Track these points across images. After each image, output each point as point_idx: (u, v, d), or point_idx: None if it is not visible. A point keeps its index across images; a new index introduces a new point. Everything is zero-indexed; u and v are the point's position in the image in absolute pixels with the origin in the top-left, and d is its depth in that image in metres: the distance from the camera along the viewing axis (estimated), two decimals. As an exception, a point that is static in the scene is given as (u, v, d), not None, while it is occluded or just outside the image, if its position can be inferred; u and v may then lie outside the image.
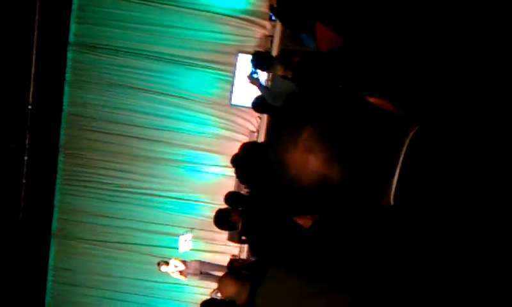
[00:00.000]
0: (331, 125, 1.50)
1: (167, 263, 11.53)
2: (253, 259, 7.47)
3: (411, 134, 1.52)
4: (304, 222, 3.94)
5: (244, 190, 8.93)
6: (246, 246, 9.45)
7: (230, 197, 8.02)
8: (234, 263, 9.50)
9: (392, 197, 1.53)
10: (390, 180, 1.51)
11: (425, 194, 1.49)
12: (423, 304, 1.56)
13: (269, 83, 9.33)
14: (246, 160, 6.85)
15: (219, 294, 10.39)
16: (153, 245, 13.71)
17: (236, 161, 7.63)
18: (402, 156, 1.51)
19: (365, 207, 1.60)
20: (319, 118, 1.52)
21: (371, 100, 1.57)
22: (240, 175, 7.29)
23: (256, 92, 8.57)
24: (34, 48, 12.41)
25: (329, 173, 1.48)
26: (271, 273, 4.21)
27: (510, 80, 1.77)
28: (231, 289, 4.80)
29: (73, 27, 12.87)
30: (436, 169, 1.48)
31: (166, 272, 11.54)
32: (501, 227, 1.41)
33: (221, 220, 7.48)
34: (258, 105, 8.56)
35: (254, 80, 8.16)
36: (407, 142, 1.52)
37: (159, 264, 11.65)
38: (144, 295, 14.19)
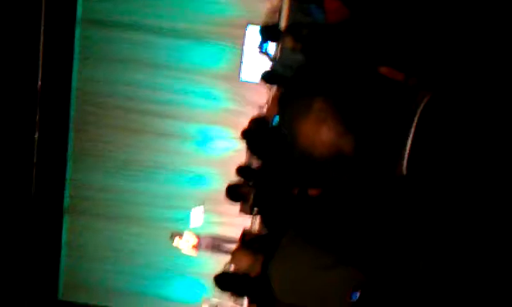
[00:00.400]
0: (342, 96, 1.50)
1: (180, 236, 11.52)
2: (265, 231, 7.49)
3: (423, 103, 1.52)
4: (316, 193, 3.96)
5: (255, 163, 8.93)
6: (258, 218, 9.45)
7: (241, 170, 8.03)
8: (247, 236, 9.51)
9: (404, 167, 1.53)
10: (402, 149, 1.51)
11: (438, 163, 1.49)
12: (436, 272, 1.56)
13: (278, 54, 9.30)
14: (256, 133, 6.85)
15: (232, 267, 10.46)
16: (164, 220, 13.74)
17: (246, 134, 7.63)
18: (414, 125, 1.50)
19: (378, 177, 1.60)
20: (330, 89, 1.52)
21: (382, 70, 1.56)
22: (251, 148, 7.30)
23: (265, 65, 8.55)
24: (42, 25, 12.38)
25: (342, 144, 1.48)
26: (284, 245, 4.23)
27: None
28: (244, 262, 4.81)
29: (81, 3, 12.84)
30: (449, 138, 1.47)
31: (177, 245, 11.55)
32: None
33: (233, 193, 7.51)
34: (268, 76, 8.54)
35: (263, 52, 8.15)
36: (419, 111, 1.51)
37: (172, 236, 11.64)
38: (157, 269, 14.24)
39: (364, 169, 1.56)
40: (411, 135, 1.50)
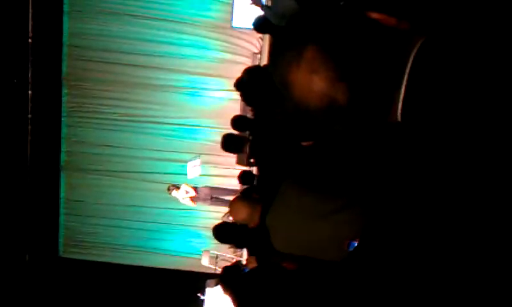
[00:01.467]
0: (334, 44, 1.47)
1: (177, 188, 11.53)
2: (262, 181, 7.49)
3: (416, 48, 1.49)
4: (309, 144, 3.95)
5: (249, 113, 8.91)
6: (254, 169, 9.47)
7: (236, 121, 8.01)
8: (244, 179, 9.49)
9: (399, 113, 1.50)
10: (396, 95, 1.49)
11: (434, 108, 1.46)
12: (430, 218, 1.55)
13: (270, 2, 9.21)
14: (251, 83, 6.81)
15: (230, 218, 10.51)
16: (161, 173, 13.78)
17: (240, 85, 7.60)
18: (408, 70, 1.48)
19: (372, 125, 1.57)
20: (321, 37, 1.48)
21: (373, 15, 1.53)
22: (246, 98, 7.27)
23: (257, 12, 8.45)
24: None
25: (335, 93, 1.45)
26: (282, 194, 4.22)
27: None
28: (242, 212, 4.79)
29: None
30: (444, 82, 1.44)
31: (175, 197, 11.57)
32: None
33: (228, 143, 7.50)
34: (260, 25, 8.44)
35: (256, 1, 8.05)
36: (412, 56, 1.48)
37: (169, 189, 11.64)
38: (155, 222, 14.33)
39: (358, 117, 1.53)
40: (405, 81, 1.47)
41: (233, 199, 5.17)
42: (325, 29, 1.49)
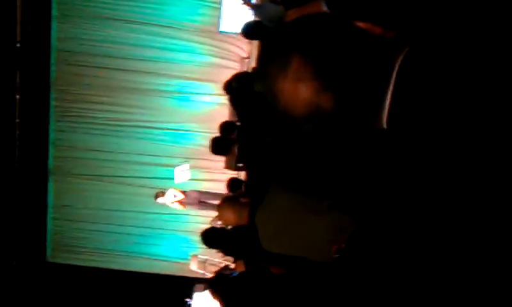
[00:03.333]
0: (320, 53, 1.49)
1: (163, 194, 11.51)
2: (250, 185, 7.50)
3: (401, 56, 1.52)
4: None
5: (237, 117, 8.90)
6: (242, 174, 9.47)
7: (224, 127, 8.02)
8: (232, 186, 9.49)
9: (384, 120, 1.53)
10: (382, 103, 1.51)
11: (419, 115, 1.49)
12: (419, 221, 1.57)
13: (261, 4, 9.17)
14: (240, 90, 6.81)
15: (219, 223, 10.50)
16: (149, 177, 13.75)
17: (229, 88, 7.60)
18: (393, 78, 1.50)
19: (359, 132, 1.60)
20: (307, 46, 1.51)
21: (359, 25, 1.55)
22: (235, 105, 7.28)
23: (245, 17, 8.43)
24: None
25: (321, 101, 1.48)
26: (270, 194, 4.24)
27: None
28: (230, 215, 4.77)
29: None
30: (429, 90, 1.48)
31: (163, 203, 11.55)
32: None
33: (217, 146, 7.50)
34: (249, 31, 8.42)
35: (247, 1, 8.03)
36: (397, 64, 1.51)
37: (156, 196, 11.62)
38: (144, 227, 14.28)
39: (344, 124, 1.56)
40: (390, 89, 1.50)
41: (221, 202, 5.14)
42: (311, 39, 1.51)
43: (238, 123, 8.12)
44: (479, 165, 1.40)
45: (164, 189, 11.63)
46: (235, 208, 4.66)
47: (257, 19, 7.96)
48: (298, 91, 1.47)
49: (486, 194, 1.42)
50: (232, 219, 4.77)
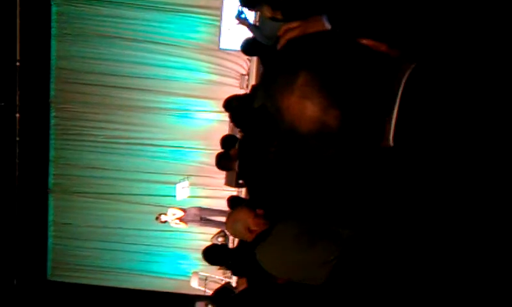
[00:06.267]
0: (326, 70, 1.49)
1: (165, 213, 11.50)
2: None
3: (407, 74, 1.51)
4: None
5: (238, 134, 8.92)
6: (243, 190, 9.48)
7: (225, 141, 8.01)
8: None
9: (391, 138, 1.52)
10: (388, 121, 1.51)
11: (425, 133, 1.49)
12: (422, 243, 1.57)
13: (258, 23, 9.22)
14: (240, 111, 6.83)
15: (220, 239, 10.51)
16: (150, 195, 13.76)
17: (229, 105, 7.61)
18: (399, 96, 1.50)
19: (365, 150, 1.60)
20: (313, 63, 1.51)
21: (364, 42, 1.55)
22: (234, 120, 7.29)
23: (245, 34, 8.46)
24: (18, 5, 12.29)
25: (327, 119, 1.47)
26: (274, 234, 4.25)
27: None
28: (242, 226, 4.65)
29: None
30: (435, 107, 1.47)
31: (166, 221, 11.52)
32: (501, 164, 1.41)
33: (222, 161, 7.50)
34: (248, 47, 8.44)
35: (242, 21, 8.04)
36: (403, 82, 1.51)
37: (157, 218, 11.58)
38: (144, 244, 14.28)
39: (350, 143, 1.56)
40: (396, 106, 1.50)
41: (237, 210, 5.00)
42: (317, 55, 1.51)
43: (239, 137, 8.12)
44: (485, 186, 1.39)
45: (163, 210, 11.62)
46: (248, 220, 4.55)
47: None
48: (304, 107, 1.46)
49: (489, 215, 1.41)
50: (237, 233, 4.71)
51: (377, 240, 1.77)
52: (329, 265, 3.63)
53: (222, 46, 12.18)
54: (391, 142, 1.51)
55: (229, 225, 4.75)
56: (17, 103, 13.06)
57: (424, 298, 1.58)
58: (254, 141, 6.11)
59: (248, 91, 11.21)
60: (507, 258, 1.42)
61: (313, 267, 3.77)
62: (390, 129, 1.50)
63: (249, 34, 8.18)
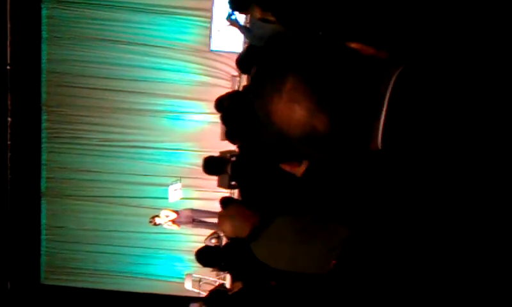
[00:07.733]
0: (314, 74, 1.49)
1: (158, 216, 11.47)
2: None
3: (394, 76, 1.52)
4: (291, 168, 3.97)
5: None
6: (236, 192, 9.46)
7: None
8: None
9: (379, 141, 1.53)
10: (376, 123, 1.52)
11: (413, 135, 1.49)
12: (412, 245, 1.57)
13: (248, 25, 9.21)
14: (231, 109, 6.82)
15: (213, 241, 10.51)
16: (142, 197, 13.75)
17: (220, 105, 7.60)
18: (387, 98, 1.51)
19: (353, 153, 1.60)
20: (301, 67, 1.51)
21: (352, 45, 1.56)
22: (226, 121, 7.28)
23: (235, 35, 8.46)
24: (8, 8, 12.27)
25: (316, 122, 1.48)
26: (270, 230, 4.26)
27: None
28: (236, 224, 4.67)
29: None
30: (423, 109, 1.48)
31: (159, 223, 11.49)
32: (492, 168, 1.42)
33: (210, 165, 7.49)
34: (243, 63, 8.36)
35: (233, 22, 8.04)
36: (391, 84, 1.51)
37: (150, 221, 11.55)
38: (137, 247, 14.27)
39: (339, 146, 1.56)
40: (384, 109, 1.51)
41: (228, 208, 5.00)
42: (306, 60, 1.51)
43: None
44: (478, 186, 1.40)
45: (157, 210, 11.60)
46: (238, 219, 4.56)
47: (248, 46, 8.00)
48: (293, 111, 1.47)
49: (485, 216, 1.42)
50: (231, 230, 4.71)
51: (369, 239, 1.78)
52: (336, 251, 3.63)
53: (213, 47, 12.20)
54: (379, 145, 1.52)
55: (224, 223, 4.75)
56: (9, 107, 13.03)
57: (424, 298, 1.59)
58: (248, 144, 6.11)
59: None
60: (503, 253, 1.43)
61: (318, 255, 3.79)
62: (378, 132, 1.51)
63: (241, 36, 8.19)
